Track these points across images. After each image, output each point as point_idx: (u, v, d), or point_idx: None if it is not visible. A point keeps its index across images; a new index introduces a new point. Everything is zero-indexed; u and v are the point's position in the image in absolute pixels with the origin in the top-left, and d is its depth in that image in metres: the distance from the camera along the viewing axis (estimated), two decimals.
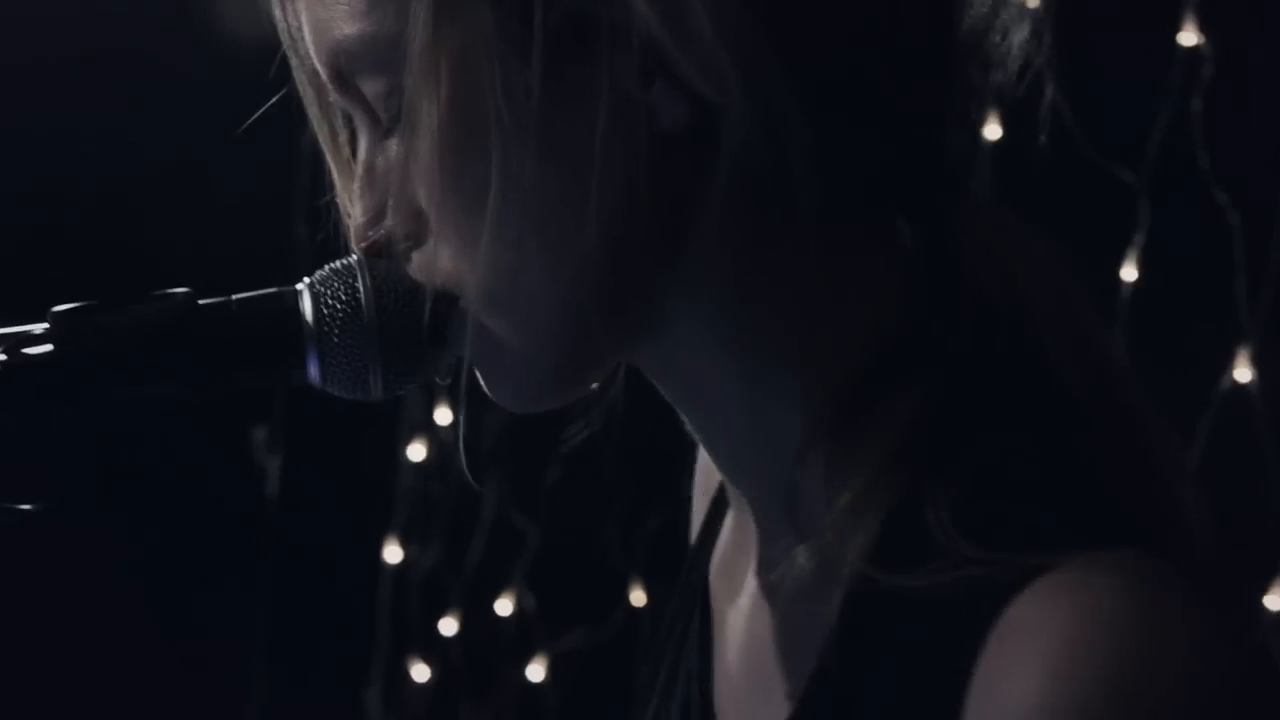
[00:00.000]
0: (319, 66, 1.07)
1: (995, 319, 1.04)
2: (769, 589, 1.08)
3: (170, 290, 1.05)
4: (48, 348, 1.03)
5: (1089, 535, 0.97)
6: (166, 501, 2.94)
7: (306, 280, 1.08)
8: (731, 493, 1.13)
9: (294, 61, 1.10)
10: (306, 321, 1.05)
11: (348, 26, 1.04)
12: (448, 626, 2.91)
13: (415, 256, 1.07)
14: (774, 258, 1.05)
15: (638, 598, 2.82)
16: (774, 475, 1.06)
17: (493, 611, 2.88)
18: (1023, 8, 1.07)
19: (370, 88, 1.05)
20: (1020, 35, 1.07)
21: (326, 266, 1.08)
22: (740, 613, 1.12)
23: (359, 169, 1.08)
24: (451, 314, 1.06)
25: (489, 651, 2.89)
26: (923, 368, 1.04)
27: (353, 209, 1.08)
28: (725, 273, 1.05)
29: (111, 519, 2.92)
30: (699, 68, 1.00)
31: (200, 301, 1.05)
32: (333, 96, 1.09)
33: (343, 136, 1.10)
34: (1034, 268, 1.06)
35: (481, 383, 1.07)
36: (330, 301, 1.06)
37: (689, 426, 1.11)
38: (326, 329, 1.06)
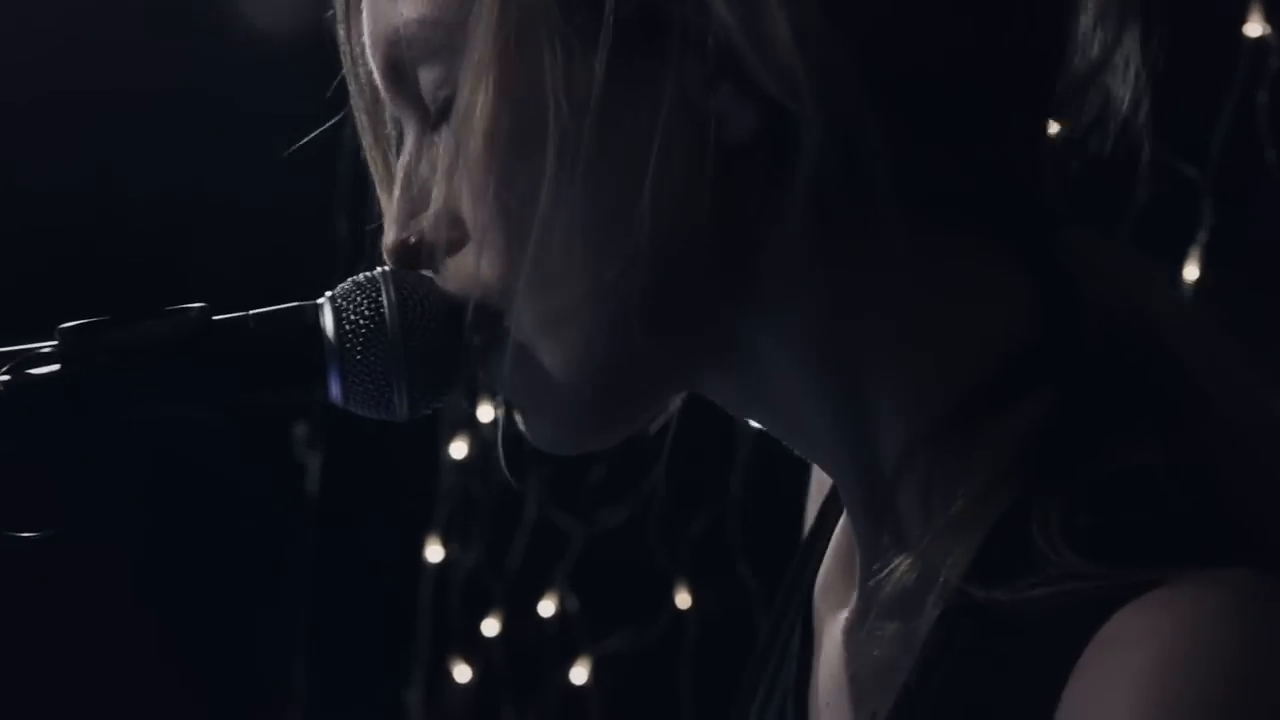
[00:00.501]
0: (374, 60, 1.03)
1: (1117, 335, 1.00)
2: (868, 604, 1.04)
3: (185, 305, 0.99)
4: (54, 367, 0.97)
5: (1203, 553, 0.92)
6: (207, 499, 2.91)
7: (329, 294, 1.02)
8: (845, 502, 1.09)
9: (349, 69, 1.06)
10: (328, 338, 1.00)
11: (408, 9, 1.01)
12: (490, 627, 2.87)
13: (450, 266, 1.02)
14: (862, 275, 1.00)
15: (682, 600, 2.77)
16: (879, 491, 1.02)
17: (535, 612, 2.84)
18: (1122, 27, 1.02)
19: (426, 77, 1.01)
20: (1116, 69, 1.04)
21: (350, 279, 1.02)
22: (840, 627, 1.08)
23: (399, 172, 1.03)
24: (486, 328, 1.01)
25: (531, 653, 2.85)
26: (1039, 383, 0.99)
27: (388, 217, 1.03)
28: (809, 293, 1.00)
29: (150, 517, 2.89)
30: (774, 72, 0.95)
31: (216, 317, 1.00)
32: (385, 96, 1.04)
33: (392, 148, 1.05)
34: (1153, 287, 1.02)
35: (517, 420, 1.02)
36: (353, 317, 1.00)
37: (792, 446, 1.07)
38: (349, 346, 1.00)
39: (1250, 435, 0.98)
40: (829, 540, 1.14)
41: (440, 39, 0.99)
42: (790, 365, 1.01)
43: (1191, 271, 2.28)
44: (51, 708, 2.90)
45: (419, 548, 2.83)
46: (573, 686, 2.84)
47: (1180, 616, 0.88)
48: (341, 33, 1.05)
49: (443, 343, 1.00)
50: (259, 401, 1.00)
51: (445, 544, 2.86)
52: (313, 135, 1.08)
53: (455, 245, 1.01)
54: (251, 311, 1.00)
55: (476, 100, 0.97)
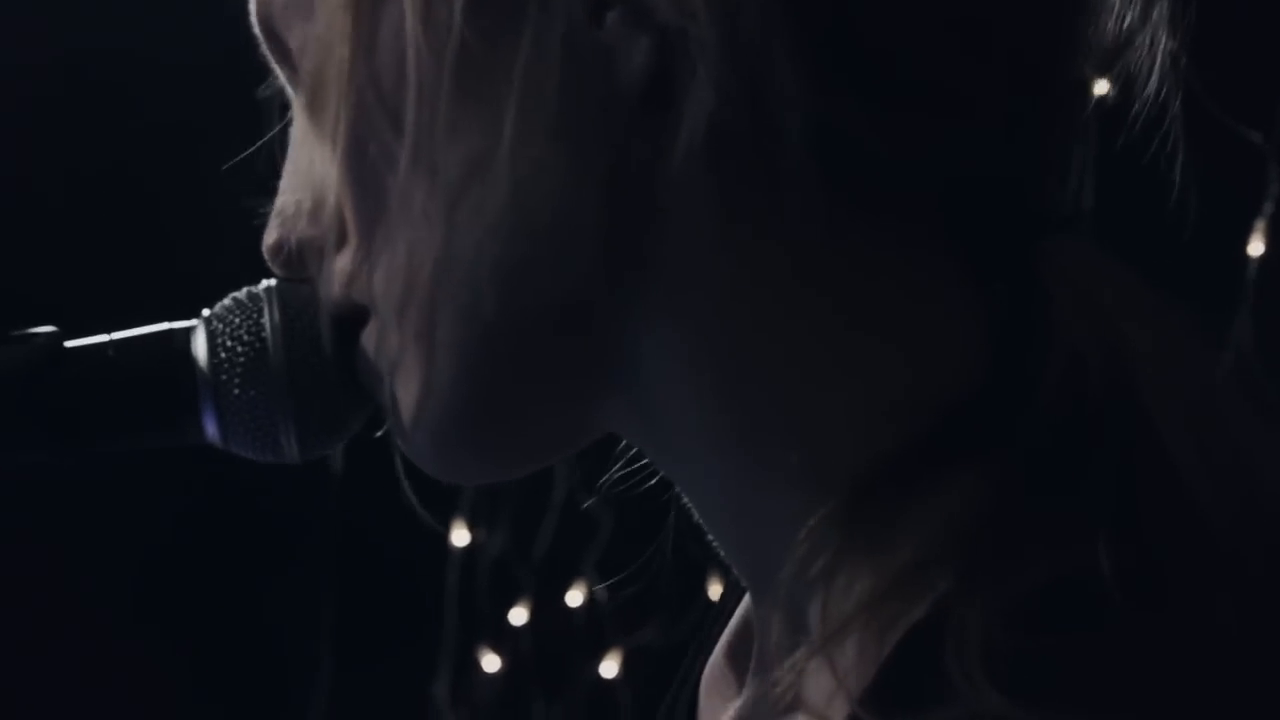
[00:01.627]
0: (257, 28, 0.85)
1: (1084, 392, 0.77)
2: (755, 707, 0.83)
3: (30, 331, 0.82)
4: None
5: (1142, 706, 0.72)
6: (227, 483, 2.79)
7: (206, 313, 0.85)
8: (740, 575, 0.88)
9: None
10: (200, 367, 0.83)
11: None
12: (518, 616, 2.76)
13: (334, 269, 0.83)
14: (769, 273, 0.78)
15: (715, 591, 2.63)
16: (769, 572, 0.80)
17: (563, 602, 2.73)
18: None
19: (294, 39, 0.83)
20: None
21: (231, 296, 0.85)
22: None
23: (286, 160, 0.86)
24: (362, 345, 0.83)
25: (560, 645, 2.74)
26: (981, 447, 0.76)
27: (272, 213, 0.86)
28: (703, 289, 0.78)
29: (169, 502, 2.78)
30: None
31: (68, 344, 0.83)
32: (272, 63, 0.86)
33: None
34: (1140, 322, 0.79)
35: (398, 441, 0.84)
36: (229, 342, 0.83)
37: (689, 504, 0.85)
38: (225, 376, 0.83)
39: (1238, 538, 0.75)
40: (727, 619, 0.93)
41: None
42: (684, 395, 0.79)
43: (1256, 247, 2.11)
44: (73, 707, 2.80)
45: (444, 532, 2.74)
46: (603, 680, 2.72)
47: None
48: None
49: (338, 371, 0.83)
50: (120, 444, 0.83)
51: (471, 529, 2.76)
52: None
53: (341, 242, 0.82)
54: (112, 336, 0.83)
55: (330, 58, 0.79)
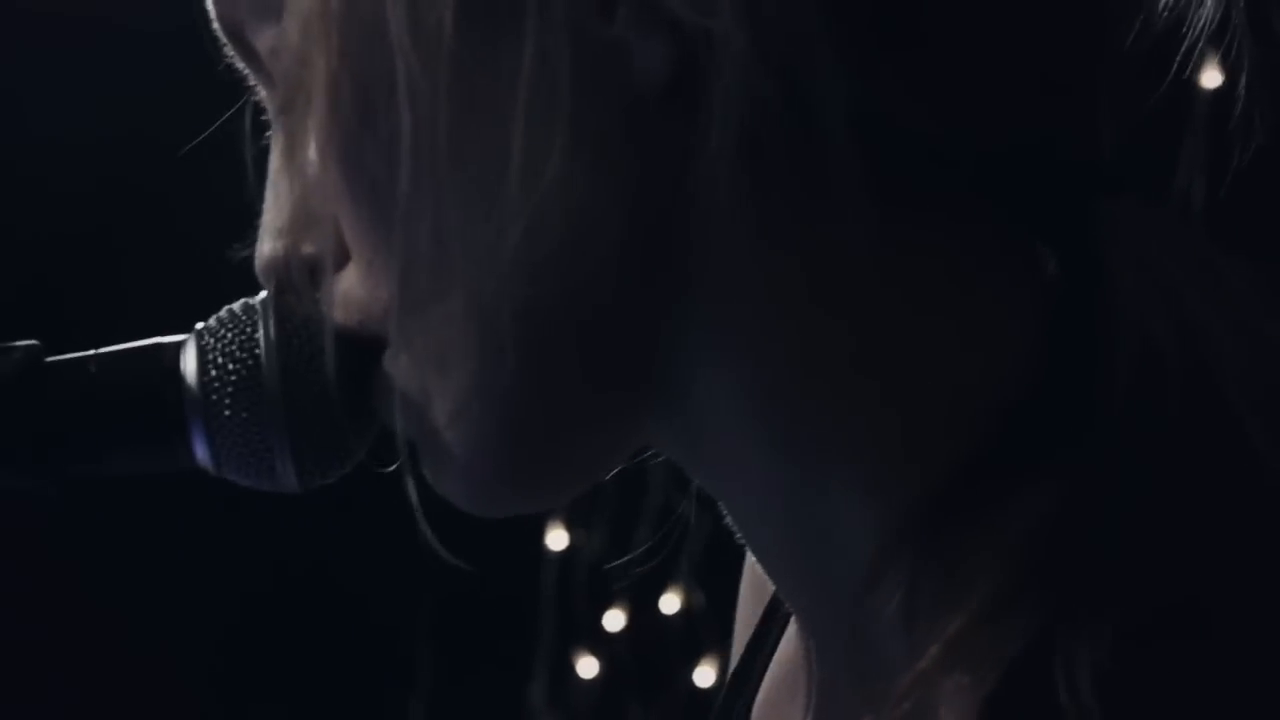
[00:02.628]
0: (220, 31, 0.78)
1: (1164, 379, 0.69)
2: None
3: (6, 345, 0.76)
4: None
5: None
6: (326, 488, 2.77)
7: (199, 326, 0.79)
8: (796, 615, 0.82)
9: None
10: (189, 386, 0.76)
11: None
12: (613, 620, 2.71)
13: (335, 287, 0.76)
14: (816, 278, 0.71)
15: None
16: (836, 610, 0.73)
17: (658, 609, 2.67)
18: None
19: (261, 43, 0.76)
20: None
21: (225, 309, 0.79)
22: None
23: (270, 168, 0.78)
24: (377, 369, 0.76)
25: (656, 651, 2.68)
26: (1058, 452, 0.69)
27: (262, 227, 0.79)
28: (740, 297, 0.72)
29: (269, 500, 2.75)
30: None
31: (49, 359, 0.77)
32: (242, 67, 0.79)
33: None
34: (1223, 304, 0.71)
35: (427, 476, 0.77)
36: (220, 359, 0.76)
37: (736, 525, 0.78)
38: (215, 396, 0.76)
39: None
40: (771, 651, 0.86)
41: None
42: (731, 410, 0.73)
43: None
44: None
45: (540, 534, 2.69)
46: (698, 689, 2.66)
47: None
48: None
49: (343, 395, 0.77)
50: (104, 468, 0.77)
51: (569, 529, 2.70)
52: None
53: (340, 261, 0.76)
54: (97, 350, 0.77)
55: (310, 65, 0.71)
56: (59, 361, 0.77)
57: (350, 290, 0.75)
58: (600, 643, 2.72)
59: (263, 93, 0.78)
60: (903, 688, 0.67)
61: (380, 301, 0.74)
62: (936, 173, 0.71)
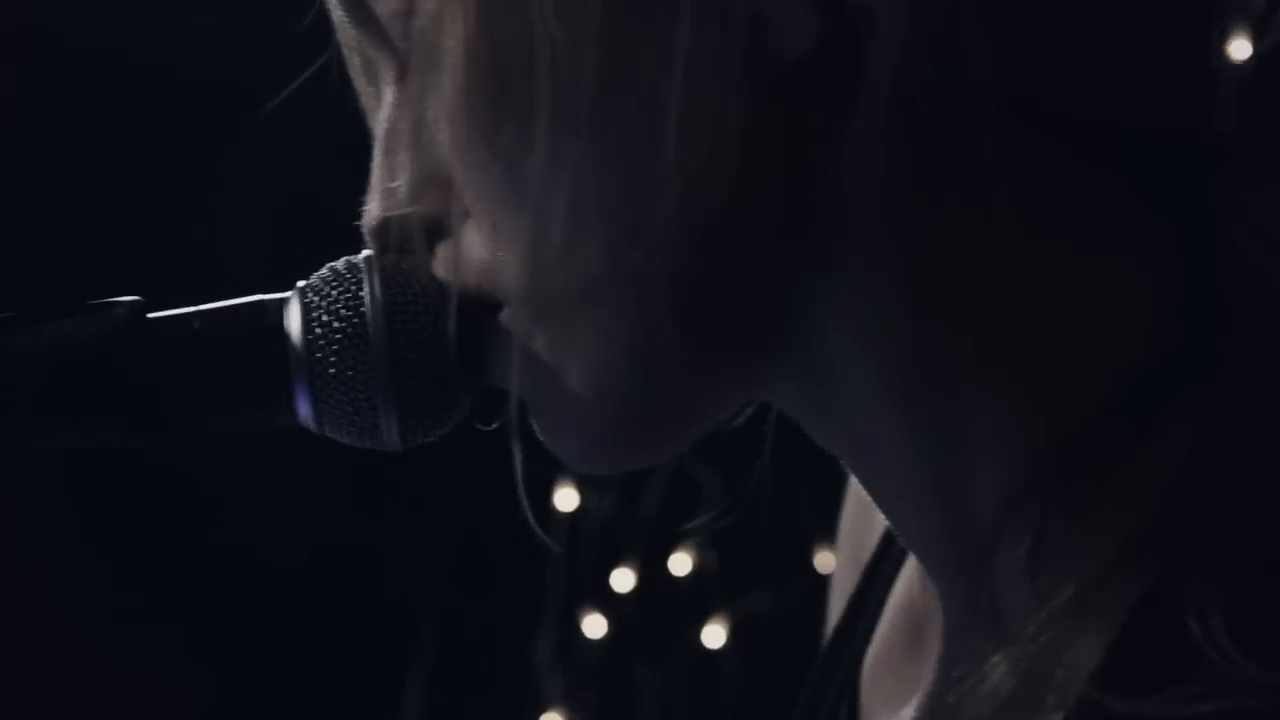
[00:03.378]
0: None
1: None
2: (945, 708, 0.79)
3: (111, 300, 0.76)
4: None
5: None
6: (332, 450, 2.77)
7: (300, 285, 0.79)
8: (915, 565, 0.85)
9: (333, 12, 0.81)
10: (293, 344, 0.76)
11: None
12: (623, 581, 2.71)
13: (445, 250, 0.78)
14: (955, 245, 0.74)
15: (824, 561, 2.57)
16: (965, 556, 0.76)
17: (668, 568, 2.67)
18: None
19: (384, 5, 0.77)
20: None
21: (328, 266, 0.78)
22: None
23: (379, 130, 0.80)
24: (489, 329, 0.78)
25: (665, 610, 2.69)
26: (1186, 409, 0.73)
27: (371, 187, 0.79)
28: (881, 266, 0.74)
29: (294, 456, 2.75)
30: None
31: (151, 315, 0.77)
32: (352, 32, 0.80)
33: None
34: None
35: (536, 429, 0.79)
36: (325, 317, 0.76)
37: (858, 480, 0.81)
38: (320, 354, 0.76)
39: None
40: (883, 600, 0.89)
41: None
42: (860, 367, 0.76)
43: None
44: None
45: (549, 495, 2.69)
46: (707, 649, 2.66)
47: None
48: None
49: (442, 351, 0.77)
50: (206, 425, 0.77)
51: (580, 490, 2.71)
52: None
53: (449, 221, 0.77)
54: (199, 307, 0.77)
55: (443, 26, 0.73)
56: (162, 318, 0.77)
57: (472, 248, 0.76)
58: (608, 603, 2.72)
59: (375, 55, 0.79)
60: (1035, 627, 0.71)
61: (503, 263, 0.75)
62: (1073, 149, 0.74)
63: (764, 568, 2.60)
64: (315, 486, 2.75)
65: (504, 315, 0.77)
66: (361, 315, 0.76)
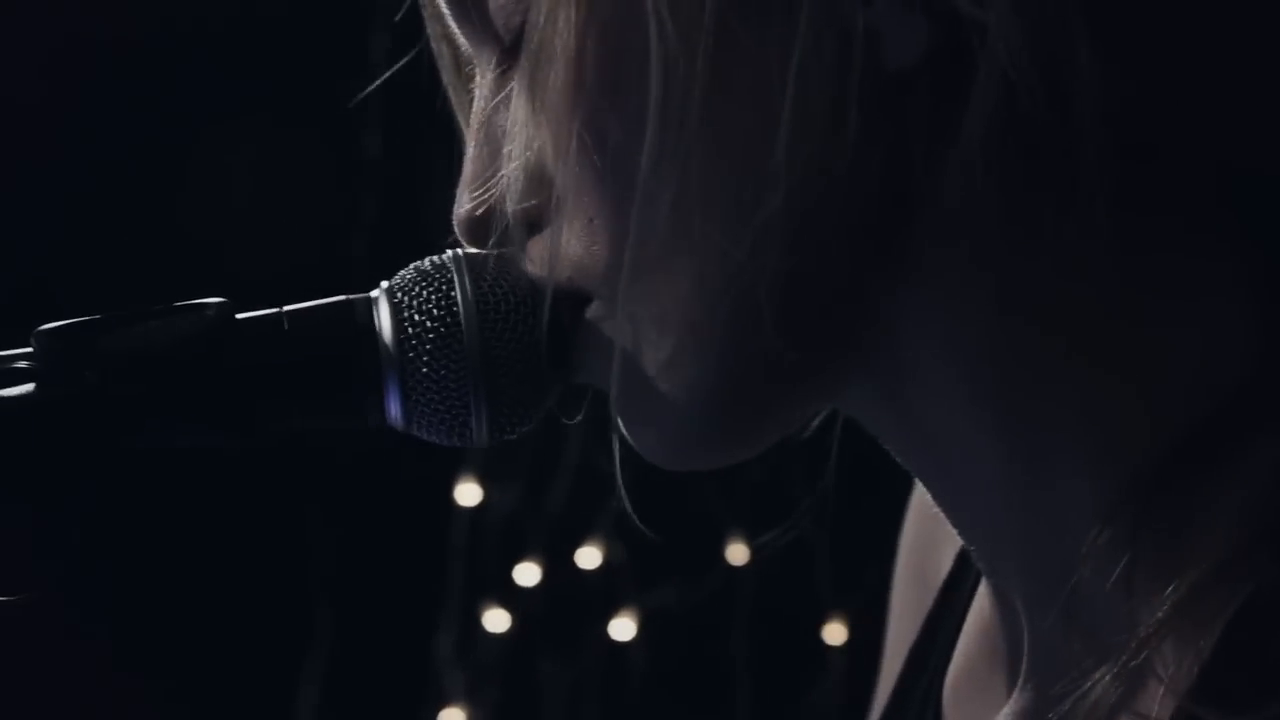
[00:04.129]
0: None
1: None
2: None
3: (199, 301, 0.75)
4: (28, 388, 0.73)
5: None
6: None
7: (385, 285, 0.79)
8: (989, 585, 0.85)
9: (425, 9, 0.82)
10: (385, 343, 0.76)
11: None
12: (527, 575, 2.71)
13: (536, 245, 0.78)
14: (1051, 262, 0.75)
15: (737, 553, 2.58)
16: (1053, 571, 0.77)
17: (575, 562, 2.68)
18: None
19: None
20: None
21: (413, 266, 0.79)
22: None
23: (472, 123, 0.80)
24: (579, 324, 0.78)
25: (572, 604, 2.69)
26: (1258, 432, 0.74)
27: (462, 182, 0.80)
28: (975, 280, 0.75)
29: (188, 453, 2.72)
30: None
31: (240, 316, 0.76)
32: (451, 22, 0.81)
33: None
34: None
35: (620, 427, 0.79)
36: (417, 316, 0.76)
37: (931, 496, 0.82)
38: (413, 354, 0.77)
39: None
40: (960, 620, 0.89)
41: None
42: (947, 389, 0.77)
43: None
44: None
45: (449, 490, 2.68)
46: (616, 642, 2.67)
47: None
48: None
49: (532, 348, 0.77)
50: (293, 425, 0.77)
51: (483, 485, 2.70)
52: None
53: (542, 215, 0.78)
54: (285, 308, 0.77)
55: (556, 21, 0.74)
56: (251, 319, 0.76)
57: (570, 244, 0.76)
58: (512, 597, 2.72)
59: (474, 46, 0.79)
60: (1133, 642, 0.72)
61: (598, 259, 0.76)
62: (1173, 177, 0.75)
63: (674, 561, 2.61)
64: (210, 483, 2.73)
65: (592, 310, 0.78)
66: (454, 314, 0.76)
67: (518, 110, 0.76)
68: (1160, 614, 0.72)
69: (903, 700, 0.91)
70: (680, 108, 0.72)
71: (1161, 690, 0.71)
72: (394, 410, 0.77)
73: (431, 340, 0.77)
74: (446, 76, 0.84)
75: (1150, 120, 0.74)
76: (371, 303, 0.78)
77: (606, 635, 2.68)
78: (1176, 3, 0.73)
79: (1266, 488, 0.73)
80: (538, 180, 0.77)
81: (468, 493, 2.73)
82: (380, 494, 2.72)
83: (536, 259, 0.78)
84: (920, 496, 0.95)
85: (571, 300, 0.78)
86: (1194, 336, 0.76)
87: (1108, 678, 0.72)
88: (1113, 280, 0.75)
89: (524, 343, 0.77)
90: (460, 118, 0.84)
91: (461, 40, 0.81)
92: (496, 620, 2.73)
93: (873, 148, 0.73)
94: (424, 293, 0.77)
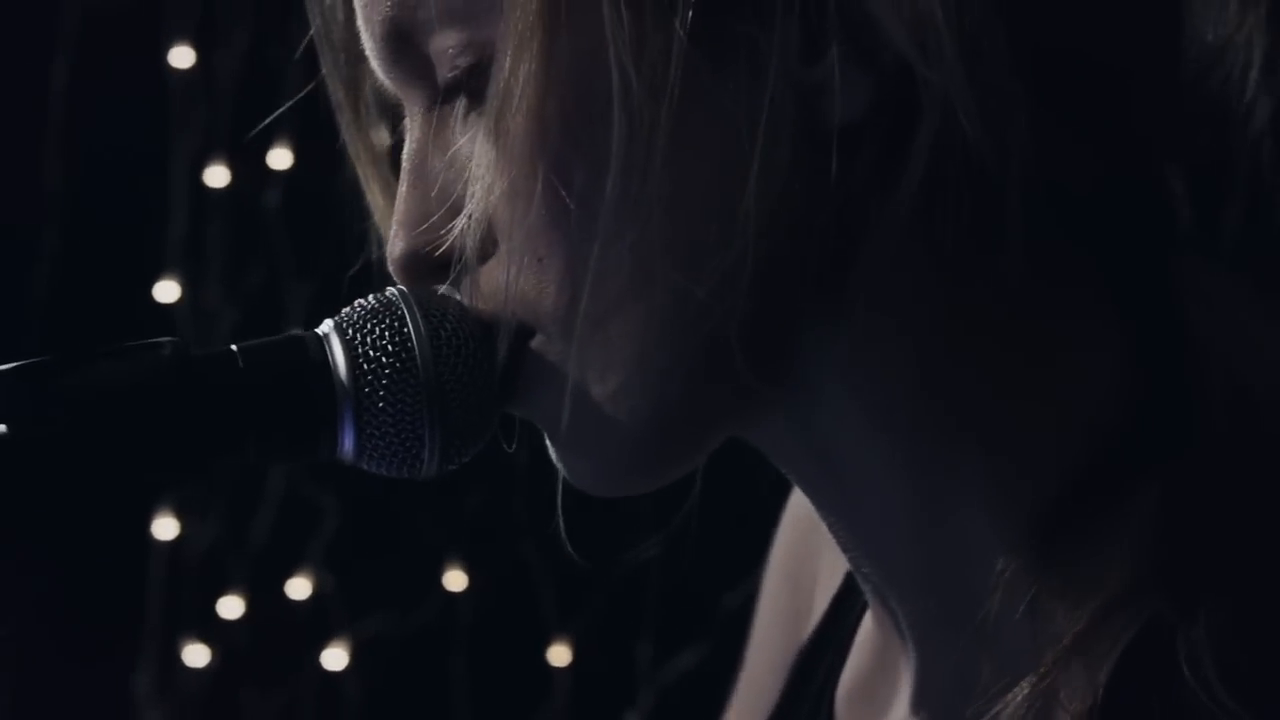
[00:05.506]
0: (370, 22, 0.81)
1: (1247, 400, 0.80)
2: None
3: (153, 341, 0.76)
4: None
5: None
6: None
7: (332, 321, 0.80)
8: (876, 603, 0.89)
9: (319, 30, 0.83)
10: (340, 378, 0.78)
11: None
12: (231, 608, 2.67)
13: (481, 279, 0.80)
14: (963, 307, 0.80)
15: (454, 580, 2.59)
16: (955, 600, 0.82)
17: (284, 593, 2.65)
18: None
19: (440, 43, 0.79)
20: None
21: (357, 303, 0.80)
22: None
23: (406, 164, 0.82)
24: (522, 356, 0.81)
25: (280, 636, 2.66)
26: (1156, 473, 0.79)
27: (396, 221, 0.81)
28: (892, 323, 0.80)
29: None
30: (907, 24, 0.75)
31: (193, 354, 0.77)
32: (377, 66, 0.82)
33: (381, 144, 0.84)
34: (1271, 332, 0.83)
35: (552, 453, 0.82)
36: (371, 352, 0.78)
37: (826, 521, 0.86)
38: (369, 388, 0.78)
39: None
40: (853, 630, 0.94)
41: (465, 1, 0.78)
42: (862, 415, 0.81)
43: None
44: None
45: (146, 524, 2.64)
46: (329, 672, 2.65)
47: None
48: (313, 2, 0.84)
49: (482, 378, 0.79)
50: (248, 459, 0.77)
51: (180, 518, 2.66)
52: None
53: (485, 253, 0.80)
54: (237, 346, 0.78)
55: (519, 74, 0.76)
56: (206, 357, 0.77)
57: (501, 283, 0.79)
58: (215, 631, 2.69)
59: (401, 89, 0.82)
60: (1041, 669, 0.77)
61: (547, 296, 0.78)
62: (1067, 227, 0.81)
63: (391, 590, 2.61)
64: None
65: (536, 342, 0.80)
66: (409, 349, 0.78)
67: (481, 155, 0.78)
68: (1064, 643, 0.77)
69: (793, 702, 0.95)
70: (644, 155, 0.76)
71: (1065, 710, 0.76)
72: (347, 443, 0.78)
73: (388, 375, 0.78)
74: (340, 115, 0.86)
75: (1079, 170, 0.80)
76: (323, 339, 0.79)
77: (319, 665, 2.66)
78: (1086, 79, 0.79)
79: (1152, 527, 0.78)
80: (480, 220, 0.79)
81: (165, 527, 2.69)
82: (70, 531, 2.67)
83: (483, 295, 0.80)
84: (795, 506, 0.99)
85: (514, 334, 0.80)
86: (1087, 386, 0.81)
87: (1017, 699, 0.77)
88: (1013, 337, 0.81)
89: (474, 375, 0.79)
90: (355, 157, 0.85)
91: (381, 83, 0.83)
92: (196, 655, 2.69)
93: (825, 196, 0.78)
94: (376, 329, 0.79)
